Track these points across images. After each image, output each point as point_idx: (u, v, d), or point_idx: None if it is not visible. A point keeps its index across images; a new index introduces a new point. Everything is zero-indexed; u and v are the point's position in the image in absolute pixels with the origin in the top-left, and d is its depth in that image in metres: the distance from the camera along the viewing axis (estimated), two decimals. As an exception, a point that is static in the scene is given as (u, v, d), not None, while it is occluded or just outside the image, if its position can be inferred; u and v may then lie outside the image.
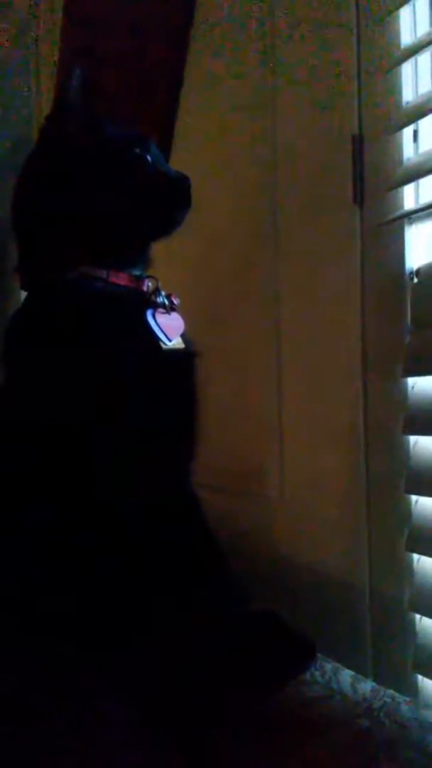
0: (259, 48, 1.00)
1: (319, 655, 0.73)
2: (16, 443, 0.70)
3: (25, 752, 0.58)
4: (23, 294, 0.78)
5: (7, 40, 1.78)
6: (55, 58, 1.58)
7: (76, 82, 0.75)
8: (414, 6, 0.78)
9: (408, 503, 0.78)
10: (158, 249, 0.81)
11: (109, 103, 1.31)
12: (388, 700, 0.66)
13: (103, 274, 0.74)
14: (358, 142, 0.83)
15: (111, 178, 0.74)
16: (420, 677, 0.77)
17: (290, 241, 0.96)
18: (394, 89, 0.79)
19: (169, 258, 0.82)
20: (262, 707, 0.64)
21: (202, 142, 1.15)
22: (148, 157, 0.77)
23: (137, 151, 0.76)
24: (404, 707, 0.64)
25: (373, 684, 0.70)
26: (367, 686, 0.69)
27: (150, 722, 0.61)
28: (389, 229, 0.79)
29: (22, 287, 0.77)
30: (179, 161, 1.14)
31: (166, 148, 1.19)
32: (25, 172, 0.78)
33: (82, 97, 0.76)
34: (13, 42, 1.77)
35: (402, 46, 0.78)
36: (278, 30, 0.96)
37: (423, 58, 0.78)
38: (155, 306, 0.76)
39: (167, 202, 0.78)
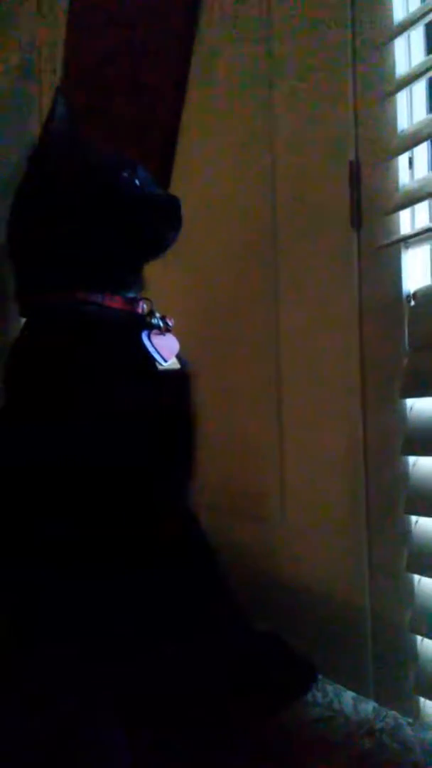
0: (259, 75, 1.02)
1: (320, 676, 0.73)
2: (17, 465, 0.70)
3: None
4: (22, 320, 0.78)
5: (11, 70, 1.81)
6: (57, 85, 1.61)
7: (60, 108, 0.76)
8: (409, 36, 0.80)
9: (408, 524, 0.78)
10: (154, 271, 0.82)
11: (108, 128, 1.34)
12: (391, 721, 0.66)
13: (98, 298, 0.75)
14: (356, 168, 0.84)
15: (98, 203, 0.75)
16: (421, 699, 0.76)
17: (289, 264, 0.97)
18: (390, 117, 0.81)
19: (165, 280, 0.83)
20: (264, 728, 0.64)
21: (202, 167, 1.16)
22: (136, 181, 0.78)
23: (125, 174, 0.77)
24: (406, 728, 0.64)
25: (375, 705, 0.69)
26: (368, 707, 0.69)
27: (149, 736, 0.61)
28: (386, 253, 0.80)
29: (21, 314, 0.78)
30: (179, 186, 1.16)
31: (166, 173, 1.20)
32: (16, 201, 0.79)
33: (66, 123, 0.76)
34: (17, 74, 1.80)
35: (397, 75, 0.80)
36: (277, 58, 0.98)
37: (418, 86, 0.80)
38: (150, 327, 0.77)
39: (156, 223, 0.78)
